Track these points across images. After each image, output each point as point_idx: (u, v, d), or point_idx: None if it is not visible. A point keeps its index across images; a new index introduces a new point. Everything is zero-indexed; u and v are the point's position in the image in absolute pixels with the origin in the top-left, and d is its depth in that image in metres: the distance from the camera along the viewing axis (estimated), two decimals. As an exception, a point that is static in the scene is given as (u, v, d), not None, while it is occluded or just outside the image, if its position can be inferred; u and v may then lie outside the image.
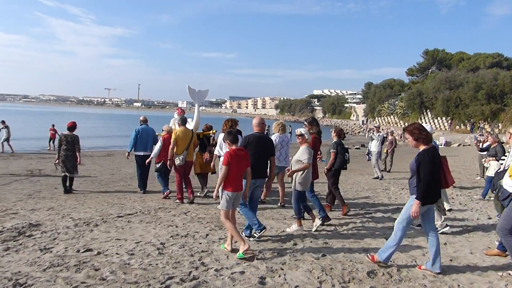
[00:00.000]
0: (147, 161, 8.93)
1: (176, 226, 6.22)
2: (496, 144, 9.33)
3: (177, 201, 7.97)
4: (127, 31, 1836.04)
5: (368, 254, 4.80)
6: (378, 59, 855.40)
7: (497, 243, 5.32)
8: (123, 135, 34.01)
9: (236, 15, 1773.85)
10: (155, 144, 8.99)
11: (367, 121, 71.30)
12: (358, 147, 29.89)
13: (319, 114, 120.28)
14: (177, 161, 7.89)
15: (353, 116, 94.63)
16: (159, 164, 8.42)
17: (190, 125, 8.82)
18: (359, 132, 58.61)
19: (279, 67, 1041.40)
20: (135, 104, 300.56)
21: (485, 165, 9.70)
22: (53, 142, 20.68)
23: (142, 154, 9.07)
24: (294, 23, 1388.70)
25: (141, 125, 9.30)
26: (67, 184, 8.99)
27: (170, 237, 5.59)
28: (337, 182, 7.65)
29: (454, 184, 6.79)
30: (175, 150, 7.86)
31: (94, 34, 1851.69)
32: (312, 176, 6.32)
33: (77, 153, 8.91)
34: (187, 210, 7.43)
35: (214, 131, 8.94)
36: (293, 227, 6.12)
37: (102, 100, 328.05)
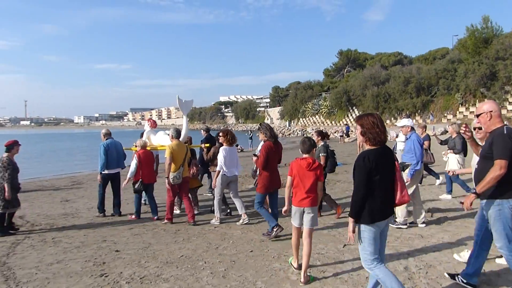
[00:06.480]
0: (125, 183, 7.75)
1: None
2: (456, 135, 8.37)
3: (165, 221, 7.25)
4: (4, 42, 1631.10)
5: None
6: (274, 64, 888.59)
7: None
8: (55, 157, 27.68)
9: (128, 25, 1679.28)
10: (124, 160, 8.37)
11: (291, 122, 71.64)
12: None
13: (230, 120, 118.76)
14: (174, 180, 7.08)
15: (267, 119, 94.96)
16: (137, 184, 7.53)
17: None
18: (289, 134, 58.17)
19: (179, 77, 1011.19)
20: (22, 122, 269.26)
21: (444, 158, 8.76)
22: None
23: (115, 171, 8.13)
24: (190, 33, 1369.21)
25: (106, 139, 8.26)
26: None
27: None
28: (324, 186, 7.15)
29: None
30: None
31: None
32: (275, 183, 6.19)
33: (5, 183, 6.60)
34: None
35: (206, 144, 8.55)
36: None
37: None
